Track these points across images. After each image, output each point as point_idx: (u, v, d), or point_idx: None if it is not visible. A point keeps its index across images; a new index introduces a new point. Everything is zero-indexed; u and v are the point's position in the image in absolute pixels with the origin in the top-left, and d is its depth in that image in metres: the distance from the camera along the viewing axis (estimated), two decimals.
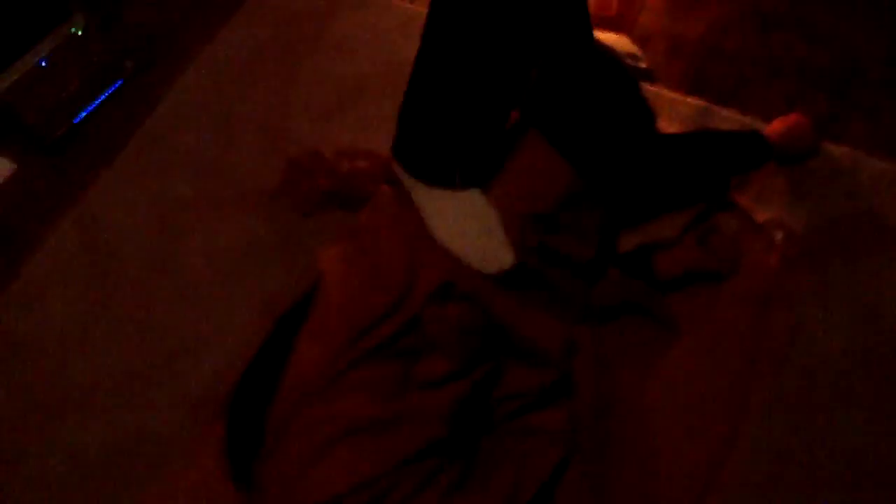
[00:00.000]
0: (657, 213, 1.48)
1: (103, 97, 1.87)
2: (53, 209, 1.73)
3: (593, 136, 1.34)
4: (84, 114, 1.85)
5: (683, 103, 1.69)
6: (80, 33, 1.91)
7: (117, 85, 1.88)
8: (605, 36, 1.75)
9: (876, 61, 1.73)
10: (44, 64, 1.87)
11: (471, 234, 1.22)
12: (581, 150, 1.31)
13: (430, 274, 1.22)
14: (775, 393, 1.35)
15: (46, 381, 1.52)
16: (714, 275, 1.46)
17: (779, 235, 1.50)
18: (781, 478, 1.29)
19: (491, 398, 1.27)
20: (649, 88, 1.70)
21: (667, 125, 1.64)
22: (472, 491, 1.19)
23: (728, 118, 1.67)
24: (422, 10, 1.33)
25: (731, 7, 1.86)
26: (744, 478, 1.29)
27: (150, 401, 1.47)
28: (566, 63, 1.31)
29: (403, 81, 1.28)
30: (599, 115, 1.36)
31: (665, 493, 1.29)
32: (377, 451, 1.12)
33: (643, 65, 1.75)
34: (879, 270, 1.46)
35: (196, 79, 1.89)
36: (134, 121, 1.83)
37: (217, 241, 1.65)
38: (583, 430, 1.30)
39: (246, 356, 1.30)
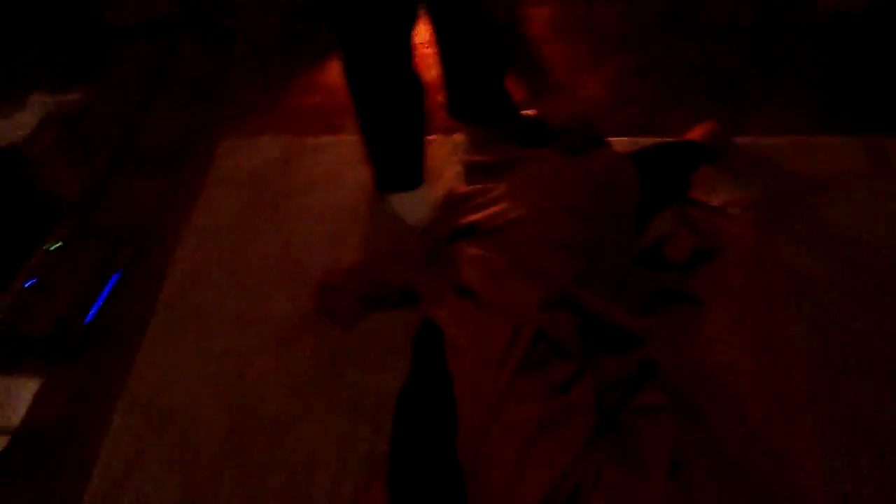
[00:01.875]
0: (652, 215, 1.80)
1: (107, 291, 1.92)
2: (101, 404, 1.74)
3: None
4: (93, 312, 1.89)
5: (618, 143, 2.05)
6: (60, 245, 1.98)
7: (117, 276, 1.95)
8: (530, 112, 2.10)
9: (747, 72, 2.21)
10: (33, 282, 1.91)
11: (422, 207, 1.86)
12: None
13: (529, 295, 1.44)
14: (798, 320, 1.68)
15: None
16: (709, 253, 1.78)
17: (737, 210, 1.86)
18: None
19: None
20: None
21: None
22: (628, 464, 1.37)
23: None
24: None
25: (612, 66, 2.29)
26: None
27: None
28: None
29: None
30: None
31: (760, 426, 1.53)
32: (567, 441, 1.30)
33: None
34: (818, 212, 1.86)
35: (192, 247, 2.01)
36: (147, 301, 1.90)
37: (280, 375, 1.73)
38: (678, 398, 1.53)
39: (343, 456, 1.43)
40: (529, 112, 2.07)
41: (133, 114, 2.36)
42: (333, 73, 2.41)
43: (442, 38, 1.89)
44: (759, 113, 2.10)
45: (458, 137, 2.10)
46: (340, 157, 2.16)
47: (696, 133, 1.97)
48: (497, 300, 1.44)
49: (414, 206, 1.96)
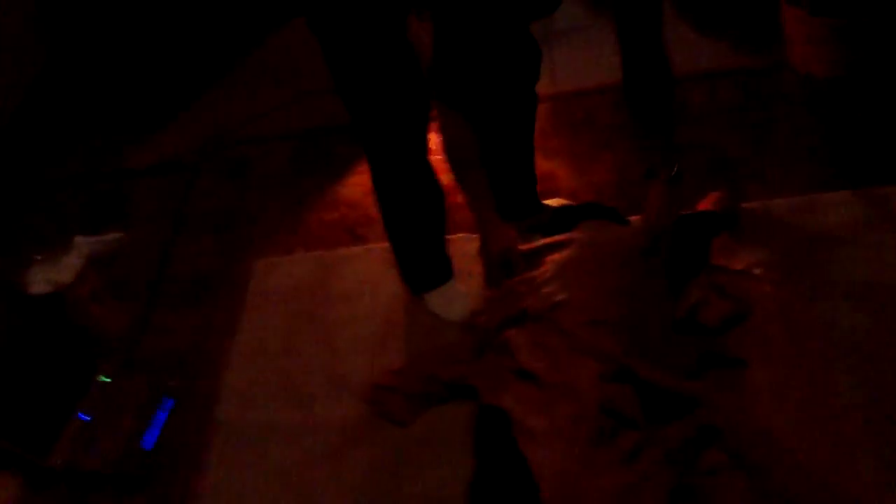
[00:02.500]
0: (681, 287, 1.89)
1: (163, 419, 1.96)
2: None
3: None
4: (153, 441, 1.92)
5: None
6: (109, 380, 2.03)
7: (170, 405, 1.99)
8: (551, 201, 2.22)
9: (738, 146, 2.37)
10: (87, 419, 1.95)
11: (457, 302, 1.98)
12: None
13: (588, 371, 1.52)
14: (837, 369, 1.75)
15: None
16: (741, 316, 1.87)
17: (759, 271, 1.96)
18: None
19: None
20: None
21: None
22: None
23: None
24: None
25: (616, 152, 2.44)
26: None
27: None
28: None
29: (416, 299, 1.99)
30: None
31: (824, 475, 1.58)
32: (649, 501, 1.36)
33: None
34: (833, 264, 1.97)
35: (241, 368, 2.06)
36: (203, 426, 1.94)
37: (341, 484, 1.76)
38: (739, 457, 1.58)
39: None
40: (551, 202, 2.19)
41: (162, 249, 2.45)
42: (350, 188, 2.54)
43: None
44: (758, 181, 2.24)
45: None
46: (372, 265, 2.25)
47: (707, 203, 2.09)
48: (559, 379, 1.51)
49: (448, 301, 2.04)
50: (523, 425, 1.46)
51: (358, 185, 2.54)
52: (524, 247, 1.84)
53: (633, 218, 2.10)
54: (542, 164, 2.33)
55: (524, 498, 1.39)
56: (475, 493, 1.49)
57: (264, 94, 3.06)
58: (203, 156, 2.82)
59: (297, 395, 1.97)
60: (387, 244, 2.27)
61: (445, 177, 2.06)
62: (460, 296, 2.04)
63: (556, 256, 1.76)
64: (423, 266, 2.07)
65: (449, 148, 1.84)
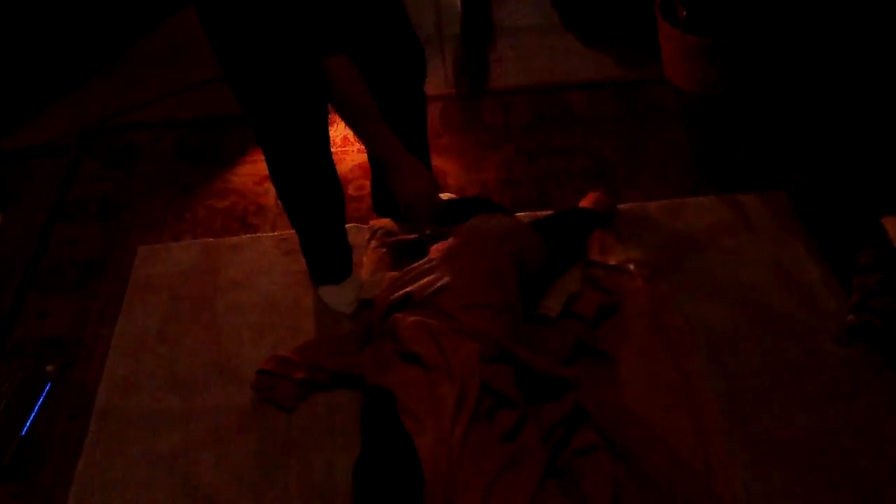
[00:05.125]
0: (557, 275, 2.00)
1: (38, 405, 1.90)
2: None
3: None
4: (26, 428, 1.86)
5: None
6: None
7: (47, 389, 1.93)
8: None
9: (616, 154, 2.52)
10: None
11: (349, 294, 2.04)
12: None
13: (469, 352, 1.59)
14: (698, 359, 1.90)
15: None
16: (613, 307, 1.99)
17: (632, 267, 2.10)
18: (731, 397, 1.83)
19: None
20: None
21: None
22: (575, 501, 1.52)
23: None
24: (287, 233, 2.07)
25: (502, 152, 2.54)
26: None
27: None
28: None
29: (306, 285, 2.08)
30: None
31: (683, 456, 1.71)
32: (524, 482, 1.45)
33: None
34: (699, 263, 2.13)
35: (121, 354, 2.02)
36: (80, 412, 1.90)
37: (228, 469, 1.77)
38: (607, 439, 1.69)
39: None
40: (444, 196, 2.25)
41: (40, 232, 2.37)
42: (240, 177, 2.53)
43: None
44: (633, 185, 2.40)
45: (375, 223, 2.26)
46: (260, 254, 2.25)
47: (587, 202, 2.22)
48: (442, 361, 1.57)
49: (340, 295, 2.07)
50: (407, 405, 1.51)
51: (248, 174, 2.54)
52: (409, 236, 1.89)
53: (518, 214, 2.20)
54: (433, 161, 2.40)
55: (408, 476, 1.44)
56: (360, 472, 1.53)
57: (152, 82, 3.00)
58: (86, 140, 2.73)
59: (180, 381, 1.96)
60: (276, 233, 2.30)
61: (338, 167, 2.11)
62: (351, 290, 2.08)
63: (438, 246, 1.82)
64: (324, 261, 2.09)
65: (344, 100, 1.74)
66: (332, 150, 1.92)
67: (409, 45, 1.90)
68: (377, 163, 2.09)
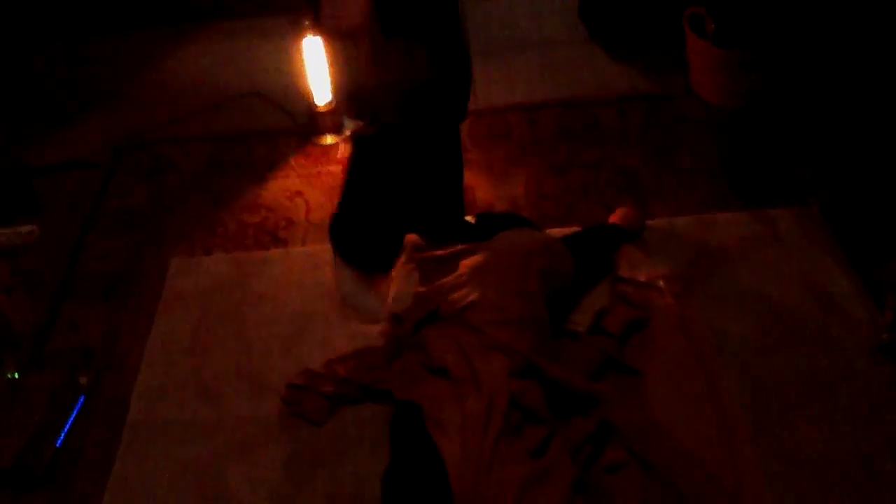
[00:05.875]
0: (585, 291, 2.00)
1: (73, 417, 1.93)
2: None
3: None
4: (62, 438, 1.89)
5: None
6: (17, 376, 1.98)
7: (81, 401, 1.96)
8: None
9: (644, 167, 2.51)
10: None
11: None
12: None
13: (498, 367, 1.60)
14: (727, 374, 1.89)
15: None
16: (642, 322, 1.99)
17: (661, 283, 2.09)
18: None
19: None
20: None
21: None
22: None
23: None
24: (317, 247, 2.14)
25: (529, 168, 2.54)
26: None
27: None
28: None
29: (336, 299, 2.09)
30: None
31: (713, 470, 1.70)
32: (551, 497, 1.44)
33: None
34: (728, 277, 2.12)
35: (153, 366, 2.05)
36: (113, 422, 1.92)
37: (256, 479, 1.78)
38: (635, 454, 1.69)
39: None
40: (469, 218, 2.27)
41: (73, 245, 2.41)
42: (271, 191, 2.56)
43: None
44: (662, 199, 2.39)
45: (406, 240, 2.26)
46: (290, 268, 2.27)
47: (616, 217, 2.21)
48: (470, 374, 1.58)
49: (367, 297, 2.05)
50: (435, 418, 1.52)
51: (279, 188, 2.56)
52: (441, 252, 1.90)
53: (547, 230, 2.20)
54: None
55: (436, 488, 1.45)
56: (388, 484, 1.54)
57: (184, 97, 3.05)
58: (120, 154, 2.78)
59: (210, 393, 1.98)
60: (306, 248, 2.32)
61: None
62: (378, 295, 2.03)
63: (468, 261, 1.83)
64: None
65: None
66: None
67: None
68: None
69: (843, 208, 2.30)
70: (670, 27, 2.87)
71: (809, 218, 2.27)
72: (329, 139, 2.73)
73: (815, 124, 2.62)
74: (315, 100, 2.68)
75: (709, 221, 2.29)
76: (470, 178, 2.52)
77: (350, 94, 1.90)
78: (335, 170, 2.59)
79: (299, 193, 2.54)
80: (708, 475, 1.68)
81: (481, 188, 2.50)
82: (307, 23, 2.53)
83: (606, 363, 1.88)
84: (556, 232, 2.17)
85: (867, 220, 2.25)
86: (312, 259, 2.28)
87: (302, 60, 2.62)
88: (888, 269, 1.98)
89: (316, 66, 2.61)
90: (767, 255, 2.18)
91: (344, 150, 2.65)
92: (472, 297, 1.72)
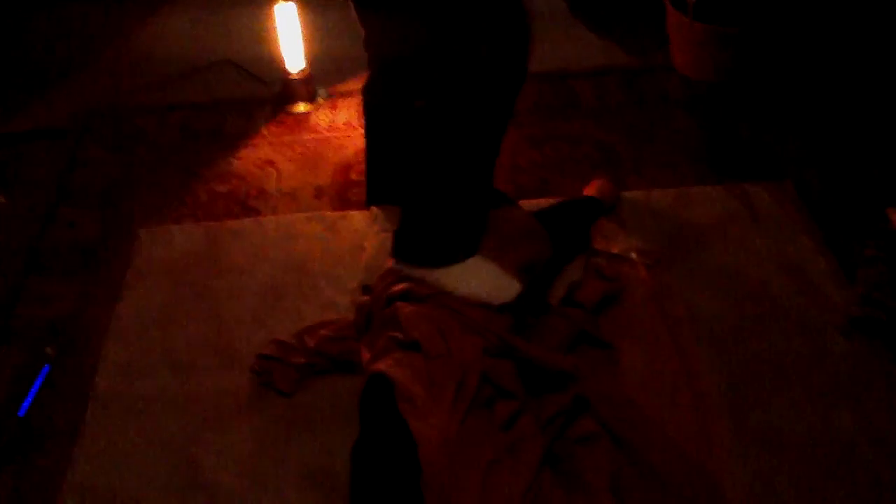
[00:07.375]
0: (562, 266, 1.99)
1: (37, 387, 1.90)
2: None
3: None
4: (25, 407, 1.86)
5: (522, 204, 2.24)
6: None
7: (46, 371, 1.93)
8: None
9: (621, 142, 2.50)
10: None
11: (486, 282, 1.73)
12: None
13: (472, 344, 1.59)
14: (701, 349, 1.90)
15: None
16: (615, 296, 1.98)
17: (634, 255, 2.09)
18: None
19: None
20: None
21: None
22: (573, 488, 1.52)
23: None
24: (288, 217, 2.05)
25: (506, 140, 2.51)
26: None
27: None
28: None
29: (307, 269, 2.00)
30: None
31: (684, 447, 1.70)
32: (521, 469, 1.44)
33: None
34: (702, 252, 2.12)
35: (121, 338, 2.01)
36: (79, 395, 1.89)
37: (227, 452, 1.76)
38: (607, 428, 1.68)
39: None
40: None
41: (42, 215, 2.37)
42: (241, 161, 2.51)
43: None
44: (638, 173, 2.39)
45: (376, 210, 2.24)
46: (261, 238, 2.24)
47: (591, 189, 2.20)
48: (444, 349, 1.56)
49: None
50: (406, 392, 1.50)
51: (250, 157, 2.52)
52: None
53: (521, 202, 2.19)
54: None
55: (405, 461, 1.44)
56: (357, 456, 1.52)
57: (155, 66, 2.98)
58: (89, 122, 2.72)
59: (180, 365, 1.95)
60: (277, 217, 2.29)
61: (342, 153, 2.07)
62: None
63: None
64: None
65: None
66: (334, 134, 1.90)
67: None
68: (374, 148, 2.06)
69: (819, 184, 2.31)
70: (650, 2, 2.85)
71: (785, 194, 2.27)
72: (302, 107, 2.69)
73: (794, 101, 2.62)
74: (288, 67, 2.64)
75: (684, 195, 2.29)
76: None
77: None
78: (308, 138, 2.56)
79: (270, 162, 2.50)
80: (679, 449, 1.68)
81: None
82: None
83: (579, 336, 1.87)
84: (531, 204, 2.16)
85: (843, 197, 2.26)
86: (284, 229, 2.25)
87: (274, 27, 2.58)
88: (862, 244, 1.99)
89: (288, 33, 2.57)
90: (743, 231, 2.18)
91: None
92: None
